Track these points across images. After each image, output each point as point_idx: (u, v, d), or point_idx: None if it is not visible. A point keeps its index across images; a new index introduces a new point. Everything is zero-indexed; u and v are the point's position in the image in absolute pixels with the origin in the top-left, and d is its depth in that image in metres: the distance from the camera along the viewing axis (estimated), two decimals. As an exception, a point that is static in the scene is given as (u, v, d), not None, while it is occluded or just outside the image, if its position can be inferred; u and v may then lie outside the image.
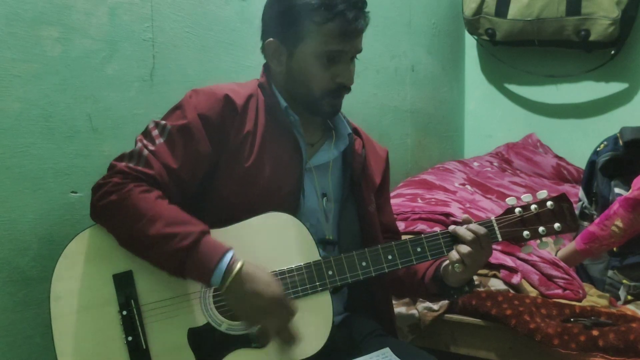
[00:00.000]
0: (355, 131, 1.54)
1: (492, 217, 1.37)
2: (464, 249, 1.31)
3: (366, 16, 1.37)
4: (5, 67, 1.36)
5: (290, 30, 1.36)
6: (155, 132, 1.31)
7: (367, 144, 1.55)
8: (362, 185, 1.49)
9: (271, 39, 1.39)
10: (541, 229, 1.36)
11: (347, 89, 1.41)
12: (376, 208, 1.52)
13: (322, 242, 1.38)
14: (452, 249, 1.33)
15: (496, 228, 1.36)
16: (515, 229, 1.36)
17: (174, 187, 1.29)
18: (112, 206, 1.22)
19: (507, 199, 1.38)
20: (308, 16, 1.33)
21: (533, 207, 1.36)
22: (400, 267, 1.32)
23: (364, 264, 1.31)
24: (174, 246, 1.18)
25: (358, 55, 1.43)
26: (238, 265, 1.18)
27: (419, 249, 1.33)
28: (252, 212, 1.30)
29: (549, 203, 1.37)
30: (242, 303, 1.20)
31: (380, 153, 1.59)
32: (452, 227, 1.34)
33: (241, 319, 1.23)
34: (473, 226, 1.34)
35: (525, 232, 1.36)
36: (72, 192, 1.50)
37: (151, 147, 1.29)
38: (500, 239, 1.36)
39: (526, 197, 1.37)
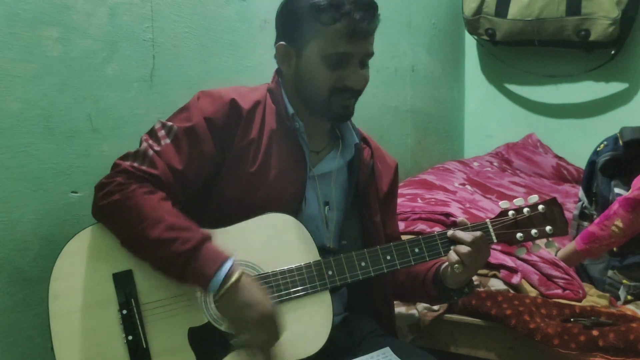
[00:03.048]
0: (364, 140, 1.53)
1: (487, 220, 1.39)
2: (463, 249, 1.32)
3: (376, 18, 1.33)
4: (6, 67, 1.36)
5: (298, 32, 1.33)
6: (161, 133, 1.31)
7: (375, 153, 1.53)
8: (368, 195, 1.48)
9: (281, 42, 1.38)
10: (534, 231, 1.39)
11: (357, 92, 1.37)
12: (381, 219, 1.51)
13: (321, 250, 1.36)
14: (450, 250, 1.34)
15: (491, 230, 1.38)
16: (510, 231, 1.38)
17: (178, 187, 1.29)
18: (114, 206, 1.22)
19: (500, 203, 1.40)
20: (315, 17, 1.30)
21: (526, 210, 1.39)
22: (398, 267, 1.33)
23: (363, 264, 1.31)
24: (174, 250, 1.18)
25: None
26: (235, 276, 1.18)
27: (416, 250, 1.34)
28: (253, 215, 1.30)
29: (540, 207, 1.40)
30: (233, 312, 1.20)
31: (390, 163, 1.57)
32: (450, 232, 1.35)
33: (230, 327, 1.23)
34: (471, 232, 1.35)
35: (519, 234, 1.38)
36: (73, 192, 1.50)
37: (157, 147, 1.29)
38: (495, 241, 1.38)
39: (518, 201, 1.40)
